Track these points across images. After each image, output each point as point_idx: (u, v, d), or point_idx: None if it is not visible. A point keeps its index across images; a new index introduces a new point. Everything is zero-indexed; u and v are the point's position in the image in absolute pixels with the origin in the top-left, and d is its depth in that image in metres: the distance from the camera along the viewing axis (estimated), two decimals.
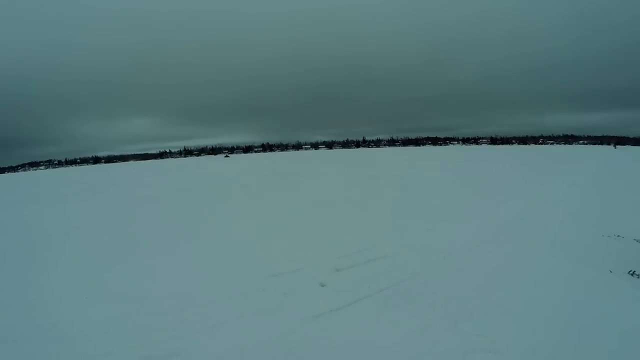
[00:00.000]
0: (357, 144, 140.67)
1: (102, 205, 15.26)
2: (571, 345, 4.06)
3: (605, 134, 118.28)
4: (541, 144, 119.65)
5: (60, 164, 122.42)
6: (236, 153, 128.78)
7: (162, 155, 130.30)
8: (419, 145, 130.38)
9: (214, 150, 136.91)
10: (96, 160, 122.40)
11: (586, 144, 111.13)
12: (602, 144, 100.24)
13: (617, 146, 77.74)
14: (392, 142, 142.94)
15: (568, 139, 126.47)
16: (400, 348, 4.11)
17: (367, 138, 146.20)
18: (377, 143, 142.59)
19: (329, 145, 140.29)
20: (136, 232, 9.86)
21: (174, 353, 4.04)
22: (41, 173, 59.51)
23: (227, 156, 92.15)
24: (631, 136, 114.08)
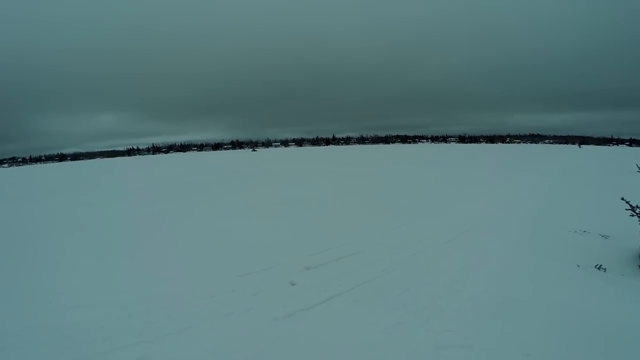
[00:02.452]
0: (327, 142, 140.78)
1: (69, 204, 14.81)
2: (541, 337, 4.18)
3: (570, 134, 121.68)
4: (508, 142, 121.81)
5: (24, 161, 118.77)
6: (205, 150, 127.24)
7: (129, 152, 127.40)
8: (389, 143, 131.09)
9: (182, 147, 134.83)
10: (62, 157, 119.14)
11: (552, 143, 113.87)
12: (567, 144, 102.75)
13: (581, 146, 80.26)
14: (361, 140, 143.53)
15: (534, 138, 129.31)
16: (373, 346, 4.12)
17: (337, 136, 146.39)
18: (347, 141, 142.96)
19: (299, 142, 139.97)
20: (100, 233, 9.57)
21: (143, 357, 3.94)
22: (5, 171, 57.58)
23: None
24: (595, 136, 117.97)
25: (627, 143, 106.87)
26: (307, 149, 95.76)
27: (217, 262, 7.02)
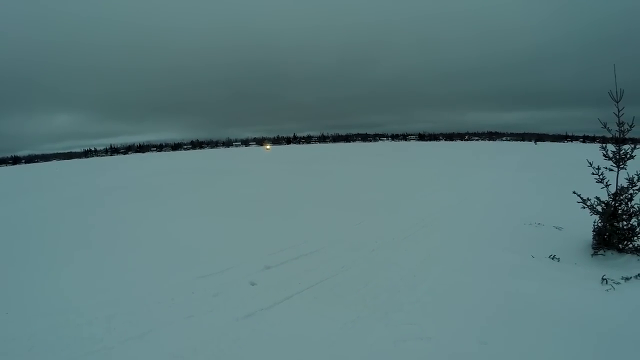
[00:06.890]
0: (288, 141, 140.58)
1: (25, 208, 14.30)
2: (497, 326, 4.35)
3: (526, 131, 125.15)
4: (467, 140, 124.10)
5: None
6: (165, 150, 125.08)
7: (87, 154, 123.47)
8: (350, 142, 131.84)
9: (141, 148, 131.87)
10: (16, 160, 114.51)
11: (509, 140, 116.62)
12: (523, 140, 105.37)
13: (537, 142, 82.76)
14: (322, 139, 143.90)
15: (492, 135, 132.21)
16: (333, 341, 4.22)
17: (298, 135, 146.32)
18: (308, 140, 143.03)
19: (260, 142, 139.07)
20: (54, 240, 9.26)
21: None
22: None
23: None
24: (550, 133, 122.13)
25: (581, 139, 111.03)
26: (270, 148, 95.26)
27: (176, 264, 6.97)
